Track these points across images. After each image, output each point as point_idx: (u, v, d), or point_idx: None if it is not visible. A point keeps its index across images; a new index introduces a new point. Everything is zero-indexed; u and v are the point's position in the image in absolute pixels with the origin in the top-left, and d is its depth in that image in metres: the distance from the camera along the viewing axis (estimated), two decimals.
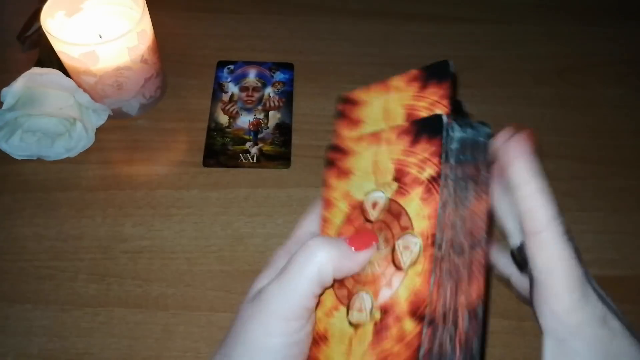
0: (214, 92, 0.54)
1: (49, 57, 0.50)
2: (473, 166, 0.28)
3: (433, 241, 0.26)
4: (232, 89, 0.54)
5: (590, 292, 0.25)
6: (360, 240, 0.27)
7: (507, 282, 0.32)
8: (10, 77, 0.47)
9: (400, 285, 0.26)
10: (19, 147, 0.48)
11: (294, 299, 0.25)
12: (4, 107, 0.47)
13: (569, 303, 0.24)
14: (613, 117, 0.54)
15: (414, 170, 0.27)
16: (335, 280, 0.27)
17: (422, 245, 0.26)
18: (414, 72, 0.32)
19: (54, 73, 0.48)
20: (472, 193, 0.28)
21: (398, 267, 0.27)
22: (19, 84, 0.47)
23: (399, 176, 0.28)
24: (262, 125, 0.51)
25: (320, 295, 0.27)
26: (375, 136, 0.30)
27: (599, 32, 0.62)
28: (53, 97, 0.47)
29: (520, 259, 0.29)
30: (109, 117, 0.50)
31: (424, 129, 0.28)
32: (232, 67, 0.56)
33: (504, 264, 0.32)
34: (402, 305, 0.26)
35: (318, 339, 0.28)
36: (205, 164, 0.49)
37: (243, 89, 0.54)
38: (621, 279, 0.44)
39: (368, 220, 0.29)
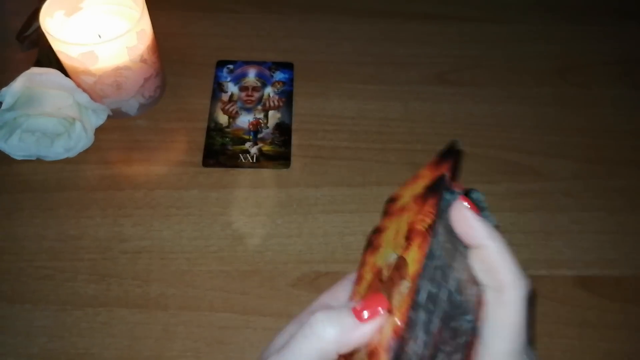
0: (213, 91, 0.54)
1: (48, 57, 0.50)
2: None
3: (416, 286, 0.25)
4: (232, 88, 0.54)
5: None
6: (367, 309, 0.26)
7: None
8: (9, 77, 0.47)
9: (386, 325, 0.26)
10: (18, 147, 0.47)
11: None
12: (3, 107, 0.47)
13: None
14: (613, 117, 0.54)
15: (419, 225, 0.27)
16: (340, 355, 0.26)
17: (409, 287, 0.25)
18: (433, 159, 0.31)
19: (53, 73, 0.47)
20: (457, 262, 0.27)
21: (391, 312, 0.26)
22: (18, 84, 0.47)
23: (410, 235, 0.28)
24: (262, 125, 0.51)
25: None
26: (402, 209, 0.30)
27: (599, 32, 0.62)
28: (52, 97, 0.47)
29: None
30: (108, 117, 0.50)
31: (431, 189, 0.28)
32: (231, 66, 0.56)
33: None
34: (383, 344, 0.25)
35: None
36: (205, 164, 0.49)
37: (243, 89, 0.54)
38: (621, 279, 0.44)
39: (381, 281, 0.29)
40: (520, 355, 0.25)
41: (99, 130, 0.50)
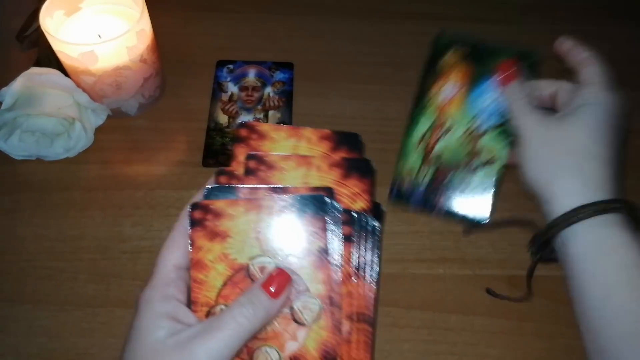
0: (213, 91, 0.54)
1: (47, 57, 0.50)
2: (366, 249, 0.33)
3: (331, 302, 0.31)
4: (232, 88, 0.54)
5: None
6: (276, 283, 0.30)
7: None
8: (9, 77, 0.47)
9: (306, 338, 0.31)
10: (18, 147, 0.47)
11: (223, 353, 0.27)
12: (2, 107, 0.47)
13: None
14: None
15: (303, 242, 0.32)
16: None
17: (322, 305, 0.31)
18: (327, 131, 0.37)
19: (52, 73, 0.47)
20: (366, 273, 0.33)
21: (300, 323, 0.31)
22: (18, 84, 0.47)
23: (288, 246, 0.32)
24: None
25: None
26: (254, 203, 0.32)
27: (598, 32, 0.61)
28: (52, 97, 0.47)
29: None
30: (108, 117, 0.50)
31: (306, 205, 0.32)
32: (231, 66, 0.56)
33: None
34: (313, 354, 0.31)
35: None
36: (205, 163, 0.49)
37: (243, 89, 0.54)
38: None
39: (251, 280, 0.31)
40: (596, 161, 0.35)
41: (98, 130, 0.50)
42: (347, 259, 0.33)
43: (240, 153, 0.35)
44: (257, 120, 0.51)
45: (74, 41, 0.44)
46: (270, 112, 0.52)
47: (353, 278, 0.33)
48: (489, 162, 0.36)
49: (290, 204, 0.32)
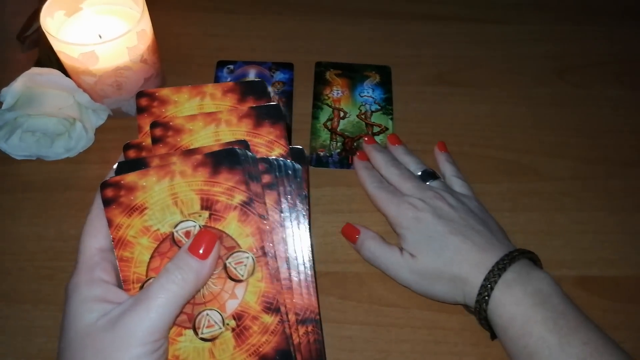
0: None
1: (48, 57, 0.50)
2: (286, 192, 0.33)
3: (264, 252, 0.31)
4: None
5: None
6: (203, 244, 0.29)
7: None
8: (10, 77, 0.47)
9: (245, 293, 0.30)
10: (19, 147, 0.48)
11: (157, 323, 0.27)
12: (3, 107, 0.47)
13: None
14: (613, 117, 0.54)
15: (223, 198, 0.31)
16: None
17: (255, 257, 0.31)
18: (230, 83, 0.37)
19: (53, 73, 0.48)
20: (294, 219, 0.33)
21: (237, 280, 0.30)
22: (19, 84, 0.47)
23: (208, 205, 0.31)
24: None
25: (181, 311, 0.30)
26: (165, 168, 0.32)
27: (598, 32, 0.62)
28: (52, 97, 0.47)
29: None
30: (109, 117, 0.50)
31: (221, 161, 0.31)
32: (232, 67, 0.56)
33: None
34: (255, 307, 0.30)
35: None
36: None
37: None
38: (622, 279, 0.44)
39: (178, 246, 0.31)
40: None
41: (99, 130, 0.50)
42: (273, 206, 0.32)
43: (145, 124, 0.34)
44: None
45: (75, 41, 0.44)
46: None
47: (286, 223, 0.32)
48: (381, 131, 0.52)
49: (202, 162, 0.31)
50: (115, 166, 0.33)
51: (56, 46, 0.45)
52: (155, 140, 0.33)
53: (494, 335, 0.38)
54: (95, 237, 0.31)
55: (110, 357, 0.26)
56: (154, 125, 0.34)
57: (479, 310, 0.37)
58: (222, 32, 0.59)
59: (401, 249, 0.40)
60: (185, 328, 0.30)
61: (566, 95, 0.56)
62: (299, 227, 0.33)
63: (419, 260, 0.39)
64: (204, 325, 0.30)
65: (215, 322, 0.30)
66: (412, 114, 0.53)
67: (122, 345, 0.26)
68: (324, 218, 0.46)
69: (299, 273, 0.33)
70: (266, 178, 0.33)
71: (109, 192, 0.31)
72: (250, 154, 0.32)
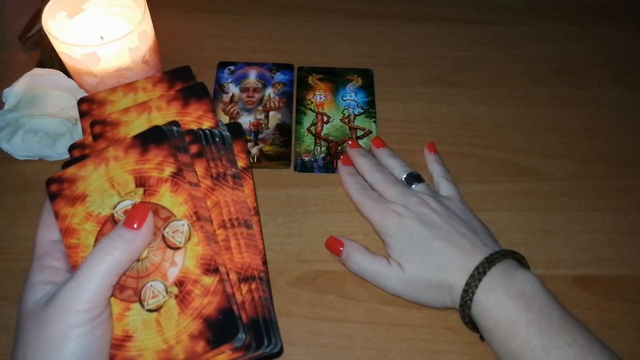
0: (214, 92, 0.54)
1: (50, 58, 0.50)
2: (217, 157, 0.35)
3: (198, 217, 0.32)
4: (233, 89, 0.54)
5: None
6: (136, 217, 0.31)
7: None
8: (12, 78, 0.47)
9: (184, 259, 0.31)
10: (21, 148, 0.48)
11: (90, 294, 0.28)
12: (5, 107, 0.47)
13: None
14: (612, 117, 0.55)
15: (154, 174, 0.33)
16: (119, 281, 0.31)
17: (190, 223, 0.32)
18: (158, 74, 0.39)
19: (55, 74, 0.48)
20: (226, 181, 0.35)
21: (175, 248, 0.31)
22: (21, 85, 0.47)
23: (142, 182, 0.33)
24: (263, 125, 0.52)
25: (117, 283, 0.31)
26: (100, 156, 0.34)
27: (597, 33, 0.62)
28: (54, 97, 0.47)
29: None
30: None
31: (148, 140, 0.33)
32: (232, 68, 0.56)
33: None
34: (195, 271, 0.31)
35: (122, 342, 0.31)
36: None
37: (243, 90, 0.54)
38: (620, 279, 0.44)
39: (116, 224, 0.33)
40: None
41: None
42: (204, 173, 0.34)
43: (87, 125, 0.37)
44: (259, 120, 0.52)
45: (77, 42, 0.44)
46: (271, 113, 0.53)
47: (218, 187, 0.34)
48: (365, 134, 0.51)
49: (131, 144, 0.33)
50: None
51: (58, 47, 0.45)
52: (96, 137, 0.36)
53: (482, 337, 0.38)
54: (46, 231, 0.33)
55: (48, 330, 0.28)
56: (92, 124, 0.37)
57: (463, 314, 0.37)
58: (222, 33, 0.60)
59: (388, 258, 0.40)
60: (132, 302, 0.31)
61: (565, 96, 0.56)
62: (232, 189, 0.35)
63: (406, 269, 0.39)
64: (148, 296, 0.31)
65: (159, 292, 0.31)
66: (410, 114, 0.54)
67: (58, 317, 0.28)
68: (324, 218, 0.46)
69: (237, 233, 0.34)
70: (194, 148, 0.34)
71: (54, 187, 0.33)
72: (176, 128, 0.34)
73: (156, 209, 0.32)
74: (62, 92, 0.48)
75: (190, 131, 0.35)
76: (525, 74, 0.58)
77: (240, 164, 0.37)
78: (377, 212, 0.42)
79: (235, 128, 0.38)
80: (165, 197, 0.32)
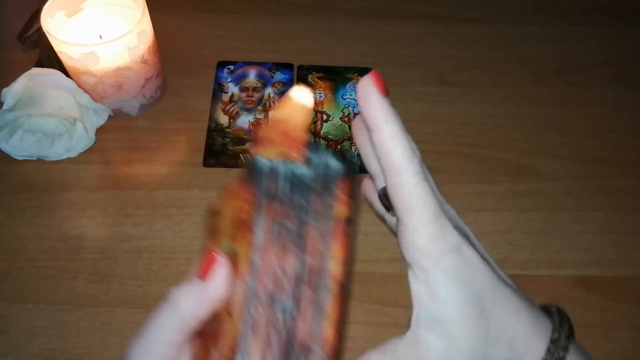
0: (214, 92, 0.54)
1: (49, 58, 0.50)
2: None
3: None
4: (232, 89, 0.54)
5: (445, 223, 0.25)
6: (203, 268, 0.26)
7: (383, 221, 0.32)
8: (11, 78, 0.47)
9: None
10: (19, 147, 0.48)
11: (153, 347, 0.25)
12: (4, 107, 0.47)
13: (427, 237, 0.25)
14: (613, 117, 0.54)
15: (242, 214, 0.25)
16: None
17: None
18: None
19: (54, 73, 0.48)
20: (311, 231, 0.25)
21: None
22: (19, 84, 0.47)
23: (237, 224, 0.26)
24: (263, 125, 0.51)
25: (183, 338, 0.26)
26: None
27: (598, 33, 0.62)
28: (53, 97, 0.47)
29: (386, 201, 0.28)
30: (109, 117, 0.50)
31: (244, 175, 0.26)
32: (232, 67, 0.56)
33: (377, 204, 0.31)
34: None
35: None
36: (206, 164, 0.49)
37: (243, 89, 0.54)
38: (621, 279, 0.44)
39: None
40: (442, 218, 0.25)
41: (100, 131, 0.50)
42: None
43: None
44: (259, 120, 0.52)
45: (75, 42, 0.44)
46: (271, 113, 0.52)
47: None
48: None
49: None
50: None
51: (57, 46, 0.45)
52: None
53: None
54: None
55: None
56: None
57: None
58: (222, 32, 0.59)
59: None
60: None
61: (566, 96, 0.56)
62: None
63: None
64: None
65: None
66: (411, 114, 0.53)
67: None
68: None
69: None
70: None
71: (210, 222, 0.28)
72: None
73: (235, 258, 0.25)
74: (61, 92, 0.47)
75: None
76: (527, 73, 0.57)
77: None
78: None
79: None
80: (240, 244, 0.25)
